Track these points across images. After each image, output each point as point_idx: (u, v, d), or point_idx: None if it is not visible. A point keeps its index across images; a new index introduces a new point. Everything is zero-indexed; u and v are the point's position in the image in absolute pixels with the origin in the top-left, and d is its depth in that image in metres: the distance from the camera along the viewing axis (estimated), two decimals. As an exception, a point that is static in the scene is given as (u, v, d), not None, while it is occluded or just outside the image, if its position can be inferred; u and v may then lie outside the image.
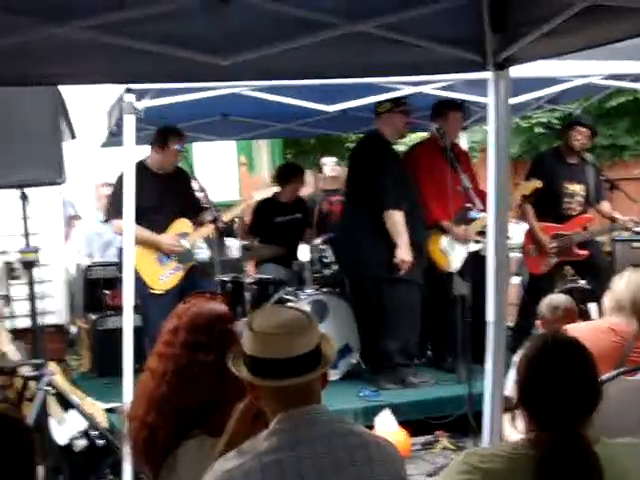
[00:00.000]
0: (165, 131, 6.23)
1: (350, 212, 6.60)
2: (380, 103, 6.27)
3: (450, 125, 6.55)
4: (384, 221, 6.21)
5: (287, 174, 7.72)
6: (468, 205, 6.10)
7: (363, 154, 6.53)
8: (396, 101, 6.25)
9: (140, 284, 5.80)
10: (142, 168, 6.12)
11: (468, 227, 6.33)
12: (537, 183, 6.74)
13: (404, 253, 6.17)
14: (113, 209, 6.14)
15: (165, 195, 6.22)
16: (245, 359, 2.22)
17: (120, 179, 5.73)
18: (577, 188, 7.13)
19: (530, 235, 7.21)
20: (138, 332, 5.31)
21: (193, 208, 6.50)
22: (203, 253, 7.73)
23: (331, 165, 8.11)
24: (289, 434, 2.14)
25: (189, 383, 2.60)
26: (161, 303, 5.84)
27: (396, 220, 6.19)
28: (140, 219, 5.70)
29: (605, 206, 7.08)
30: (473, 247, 6.34)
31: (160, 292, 6.09)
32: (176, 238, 6.19)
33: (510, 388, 4.01)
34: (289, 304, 6.42)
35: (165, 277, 6.16)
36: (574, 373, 2.21)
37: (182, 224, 6.31)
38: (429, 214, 6.54)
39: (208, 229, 6.31)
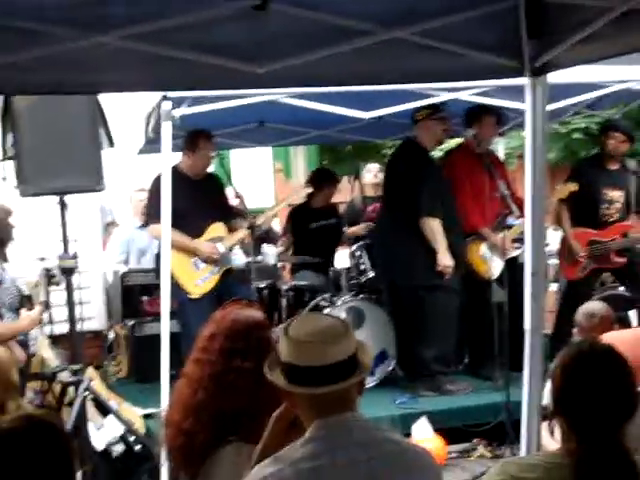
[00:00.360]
0: (194, 134, 6.26)
1: (387, 219, 6.60)
2: (418, 110, 6.27)
3: (484, 130, 6.52)
4: (421, 228, 6.20)
5: (320, 179, 7.74)
6: (506, 212, 6.07)
7: (400, 161, 6.52)
8: (434, 108, 6.23)
9: (177, 289, 5.85)
10: (175, 172, 6.17)
11: (506, 234, 6.29)
12: (573, 186, 6.68)
13: (445, 258, 6.17)
14: (149, 213, 6.19)
15: (199, 199, 6.25)
16: (281, 366, 2.22)
17: (155, 183, 5.78)
18: (616, 195, 7.06)
19: (565, 240, 7.18)
20: (175, 338, 5.35)
21: (226, 213, 6.53)
22: (239, 259, 7.78)
23: (374, 172, 8.08)
24: (325, 441, 2.14)
25: (225, 390, 2.61)
26: (198, 308, 5.87)
27: (433, 227, 6.18)
28: (175, 223, 5.75)
29: None
30: (512, 253, 6.30)
31: (197, 297, 6.12)
32: (212, 245, 6.22)
33: (547, 396, 3.99)
34: (326, 311, 6.43)
35: (201, 281, 6.19)
36: (608, 382, 2.19)
37: (217, 228, 6.34)
38: (467, 221, 6.51)
39: (243, 234, 6.34)
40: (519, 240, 6.26)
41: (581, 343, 2.37)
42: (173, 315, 5.88)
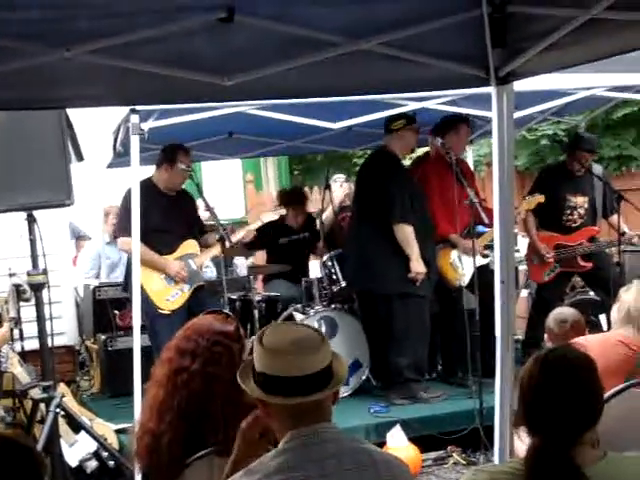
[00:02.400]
0: (173, 149, 6.24)
1: (358, 227, 6.62)
2: (393, 120, 6.30)
3: (459, 140, 6.57)
4: (393, 235, 6.22)
5: (287, 200, 7.76)
6: (476, 219, 6.12)
7: (372, 169, 6.53)
8: (409, 118, 6.29)
9: (147, 304, 5.83)
10: (150, 186, 6.16)
11: (476, 241, 6.33)
12: (540, 198, 6.77)
13: (418, 265, 6.19)
14: (119, 226, 6.17)
15: (173, 215, 6.24)
16: (255, 375, 2.22)
17: (127, 197, 5.76)
18: (580, 200, 7.16)
19: (532, 244, 7.28)
20: (148, 352, 5.33)
21: (198, 229, 6.54)
22: (211, 272, 7.77)
23: (340, 182, 8.12)
24: (298, 453, 2.13)
25: (180, 389, 2.65)
26: (169, 323, 5.85)
27: (406, 233, 6.21)
28: (148, 238, 5.74)
29: (615, 219, 7.10)
30: (481, 261, 6.35)
31: (167, 312, 6.10)
32: (181, 265, 6.20)
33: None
34: (300, 321, 6.43)
35: (172, 297, 6.17)
36: (572, 391, 2.21)
37: (190, 245, 6.34)
38: (437, 228, 6.55)
39: (216, 250, 6.33)
40: (489, 247, 6.31)
41: (547, 350, 2.38)
42: (145, 329, 5.87)
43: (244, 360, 2.71)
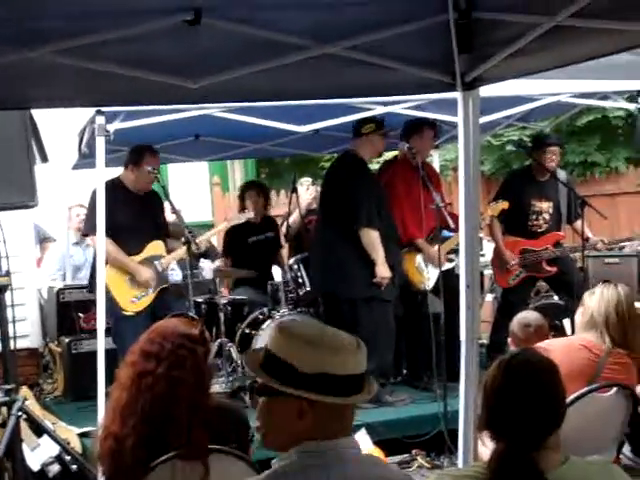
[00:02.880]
0: (140, 150, 6.20)
1: (324, 231, 6.61)
2: (363, 124, 6.31)
3: (423, 143, 6.60)
4: (359, 239, 6.23)
5: (242, 191, 7.79)
6: (441, 224, 6.14)
7: (339, 173, 6.52)
8: (378, 122, 6.30)
9: (112, 305, 5.79)
10: (118, 185, 6.14)
11: (441, 246, 6.36)
12: (504, 204, 6.83)
13: (383, 270, 6.19)
14: (88, 225, 6.11)
15: (141, 215, 6.21)
16: (307, 379, 2.02)
17: (93, 196, 5.72)
18: (545, 205, 7.22)
19: (497, 250, 7.33)
20: (112, 355, 5.30)
21: (165, 231, 6.51)
22: (176, 275, 7.73)
23: (306, 185, 8.12)
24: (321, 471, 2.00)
25: (144, 393, 2.64)
26: (133, 325, 5.83)
27: (372, 237, 6.20)
28: (116, 236, 5.71)
29: (579, 225, 7.18)
30: (446, 265, 6.37)
31: (131, 314, 6.07)
32: (151, 274, 6.16)
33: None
34: (264, 325, 6.43)
35: (137, 299, 6.14)
36: (533, 396, 2.22)
37: (156, 247, 6.30)
38: (403, 232, 6.57)
39: (181, 252, 6.30)
40: (455, 252, 6.35)
41: (510, 355, 2.39)
42: (109, 332, 5.83)
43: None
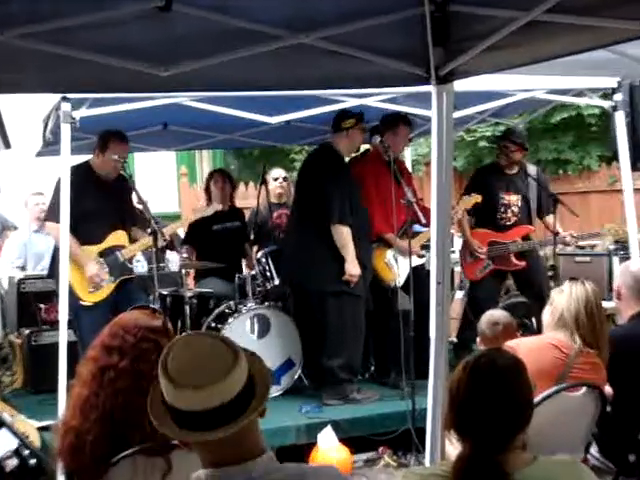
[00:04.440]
0: (106, 136, 6.13)
1: (296, 224, 6.62)
2: (343, 118, 6.31)
3: (397, 140, 6.61)
4: (331, 234, 6.24)
5: (207, 180, 7.74)
6: (412, 219, 6.17)
7: (315, 166, 6.52)
8: (358, 117, 6.31)
9: (71, 295, 5.76)
10: (87, 170, 6.09)
11: (412, 241, 6.38)
12: (477, 198, 6.88)
13: (352, 267, 6.21)
14: (50, 210, 6.07)
15: (106, 202, 6.14)
16: (164, 406, 2.03)
17: (59, 182, 5.68)
18: (513, 199, 7.28)
19: (465, 242, 7.39)
20: (73, 347, 5.27)
21: (131, 219, 6.46)
22: (142, 267, 7.69)
23: (279, 178, 8.07)
24: None
25: (105, 388, 2.64)
26: (93, 316, 5.81)
27: (343, 234, 6.22)
28: (78, 224, 5.67)
29: (550, 219, 7.24)
30: (417, 261, 6.40)
31: (90, 304, 6.04)
32: (98, 272, 6.08)
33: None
34: (230, 319, 6.43)
35: (95, 289, 6.09)
36: (499, 396, 2.25)
37: (119, 236, 6.25)
38: (373, 227, 6.59)
39: (145, 242, 6.26)
40: (425, 247, 6.37)
41: (476, 356, 2.41)
42: (71, 324, 5.79)
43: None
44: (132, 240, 6.34)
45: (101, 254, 6.15)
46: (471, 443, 2.22)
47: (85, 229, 5.94)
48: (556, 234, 7.04)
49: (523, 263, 7.26)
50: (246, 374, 2.00)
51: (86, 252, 6.06)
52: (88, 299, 6.04)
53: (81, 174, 5.56)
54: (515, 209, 7.29)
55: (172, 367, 1.98)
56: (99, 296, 6.08)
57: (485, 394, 2.25)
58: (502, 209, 7.27)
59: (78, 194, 5.36)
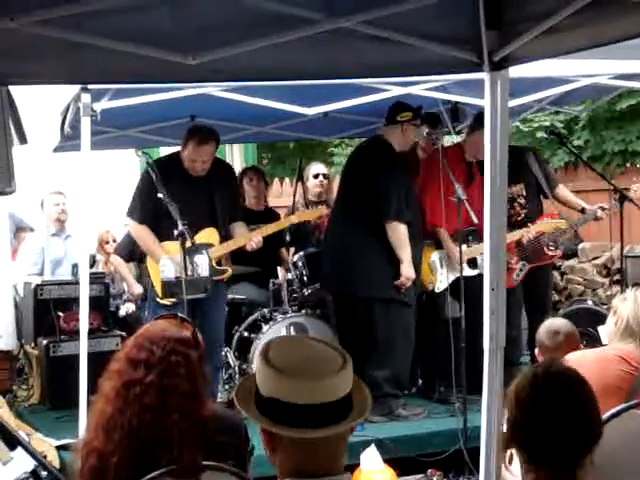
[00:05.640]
0: (188, 133, 6.20)
1: (341, 223, 6.58)
2: (399, 110, 6.33)
3: (474, 144, 6.47)
4: (383, 234, 6.23)
5: (239, 179, 7.74)
6: (471, 225, 6.12)
7: (366, 160, 6.50)
8: (415, 112, 6.34)
9: (150, 291, 5.89)
10: (176, 163, 6.21)
11: (466, 249, 6.33)
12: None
13: (408, 270, 6.21)
14: (129, 207, 6.29)
15: (193, 197, 6.15)
16: (259, 400, 2.04)
17: (142, 178, 6.04)
18: (515, 189, 7.08)
19: None
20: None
21: (225, 215, 6.42)
22: (169, 271, 7.72)
23: (320, 175, 8.00)
24: None
25: (131, 405, 2.65)
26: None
27: (400, 233, 6.22)
28: (159, 219, 5.96)
29: (562, 191, 7.09)
30: (467, 272, 6.35)
31: (167, 303, 6.07)
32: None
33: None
34: (265, 328, 6.45)
35: None
36: (568, 413, 2.23)
37: (208, 234, 6.30)
38: (428, 220, 6.57)
39: (239, 241, 6.34)
40: (472, 261, 6.37)
41: (539, 367, 2.39)
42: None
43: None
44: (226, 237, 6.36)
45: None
46: (538, 464, 2.21)
47: (167, 225, 5.92)
48: (582, 210, 6.94)
49: (559, 252, 7.16)
50: (351, 382, 2.07)
51: (166, 248, 6.12)
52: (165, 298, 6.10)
53: (170, 164, 5.82)
54: (522, 201, 7.13)
55: (278, 359, 2.02)
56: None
57: (551, 407, 2.23)
58: (507, 205, 6.92)
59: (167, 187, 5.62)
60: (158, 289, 6.13)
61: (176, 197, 5.78)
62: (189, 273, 5.75)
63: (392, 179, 6.25)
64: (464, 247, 6.25)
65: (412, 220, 6.33)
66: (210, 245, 6.27)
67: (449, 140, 7.60)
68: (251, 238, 6.28)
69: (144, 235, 6.17)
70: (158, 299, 6.12)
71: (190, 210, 5.95)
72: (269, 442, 2.04)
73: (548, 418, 2.23)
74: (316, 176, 7.95)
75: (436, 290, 6.49)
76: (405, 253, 6.23)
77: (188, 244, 5.60)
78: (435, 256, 6.61)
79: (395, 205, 6.21)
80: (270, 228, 6.52)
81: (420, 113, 6.41)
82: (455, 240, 6.36)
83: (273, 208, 8.04)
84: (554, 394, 2.27)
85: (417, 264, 6.36)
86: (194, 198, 6.12)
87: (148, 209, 5.98)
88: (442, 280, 6.52)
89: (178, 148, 6.29)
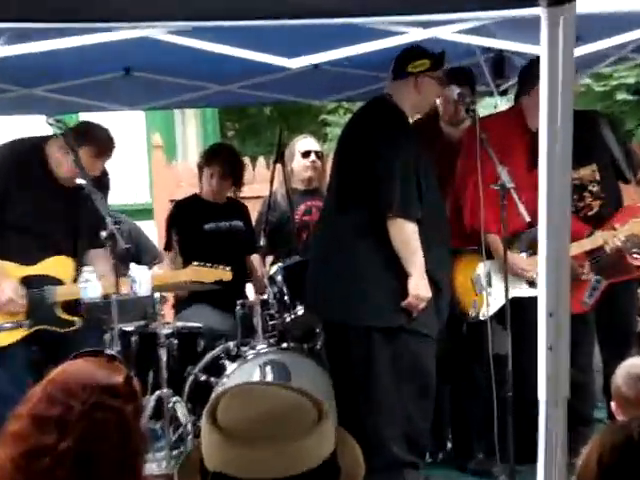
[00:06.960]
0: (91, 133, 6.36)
1: (334, 221, 6.52)
2: (410, 57, 6.27)
3: (532, 104, 6.41)
4: (386, 235, 6.20)
5: (207, 158, 7.87)
6: (532, 228, 6.06)
7: (366, 130, 6.42)
8: (436, 59, 6.26)
9: None
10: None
11: (533, 257, 6.27)
12: None
13: (419, 286, 6.16)
14: None
15: (53, 213, 6.29)
16: (205, 476, 2.10)
17: None
18: (586, 173, 7.02)
19: None
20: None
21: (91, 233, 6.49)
22: (93, 289, 7.71)
23: (311, 151, 8.00)
24: None
25: None
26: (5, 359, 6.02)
27: (406, 233, 6.15)
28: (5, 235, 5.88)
29: None
30: (524, 291, 6.33)
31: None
32: (18, 290, 6.23)
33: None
34: (230, 368, 6.44)
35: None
36: None
37: (58, 263, 6.38)
38: (463, 222, 6.56)
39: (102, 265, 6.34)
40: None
41: (627, 426, 2.41)
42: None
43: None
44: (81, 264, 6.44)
45: (25, 281, 6.21)
46: None
47: (14, 242, 6.08)
48: None
49: None
50: (333, 441, 2.13)
51: (4, 269, 6.18)
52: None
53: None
54: (594, 188, 7.09)
55: (226, 419, 2.06)
56: (6, 339, 6.16)
57: None
58: (575, 196, 6.91)
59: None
60: None
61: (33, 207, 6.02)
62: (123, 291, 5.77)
63: (397, 157, 6.16)
64: (523, 256, 6.25)
65: (429, 216, 6.26)
66: (57, 279, 6.40)
67: (489, 104, 7.57)
68: None
69: None
70: None
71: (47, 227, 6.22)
72: None
73: None
74: (305, 154, 7.93)
75: (481, 317, 6.43)
76: (414, 263, 6.15)
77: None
78: (481, 270, 6.54)
79: (400, 194, 6.12)
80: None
81: (442, 62, 6.32)
82: (510, 244, 6.32)
83: (240, 199, 8.01)
84: None
85: (439, 278, 6.29)
86: (53, 213, 6.31)
87: None
88: (491, 304, 6.46)
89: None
